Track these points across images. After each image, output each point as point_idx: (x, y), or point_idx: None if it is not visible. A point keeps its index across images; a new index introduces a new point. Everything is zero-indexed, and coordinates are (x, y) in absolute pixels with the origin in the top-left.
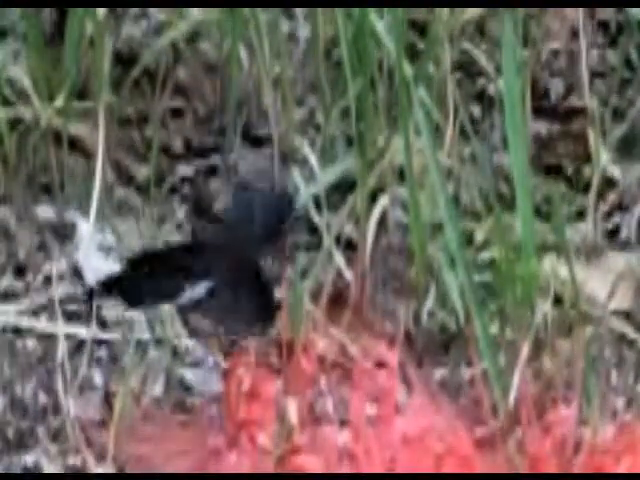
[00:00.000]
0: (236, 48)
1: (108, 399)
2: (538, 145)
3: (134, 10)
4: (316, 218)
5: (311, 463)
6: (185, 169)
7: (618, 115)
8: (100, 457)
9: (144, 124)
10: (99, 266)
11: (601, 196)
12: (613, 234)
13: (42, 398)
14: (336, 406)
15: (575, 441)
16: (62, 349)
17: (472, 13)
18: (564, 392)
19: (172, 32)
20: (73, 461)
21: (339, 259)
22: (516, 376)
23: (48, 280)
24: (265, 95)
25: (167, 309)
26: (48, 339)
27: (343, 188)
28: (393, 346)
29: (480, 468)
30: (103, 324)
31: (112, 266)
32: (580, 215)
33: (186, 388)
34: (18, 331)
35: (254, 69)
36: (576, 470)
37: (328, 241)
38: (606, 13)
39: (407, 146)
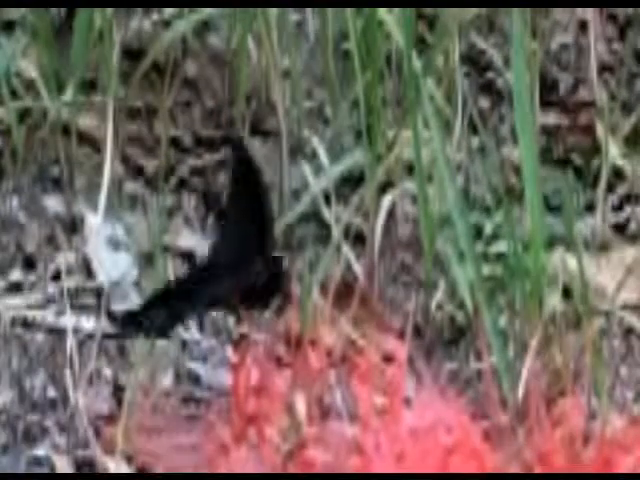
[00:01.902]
0: (245, 41)
1: (117, 392)
2: (547, 138)
3: None
4: (325, 211)
5: (320, 457)
6: (194, 162)
7: (627, 108)
8: (109, 450)
9: (153, 117)
10: (108, 259)
11: (610, 189)
12: (622, 227)
13: (51, 391)
14: (345, 400)
15: (584, 434)
16: (71, 342)
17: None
18: (573, 385)
19: (181, 25)
20: (82, 454)
21: (348, 253)
22: (525, 369)
23: (57, 273)
24: (274, 88)
25: None
26: (57, 332)
27: (352, 181)
28: (402, 339)
29: (489, 461)
30: (112, 317)
31: (121, 259)
32: (589, 208)
33: (195, 381)
34: (27, 324)
35: (263, 62)
36: (585, 463)
37: (337, 234)
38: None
39: (416, 139)
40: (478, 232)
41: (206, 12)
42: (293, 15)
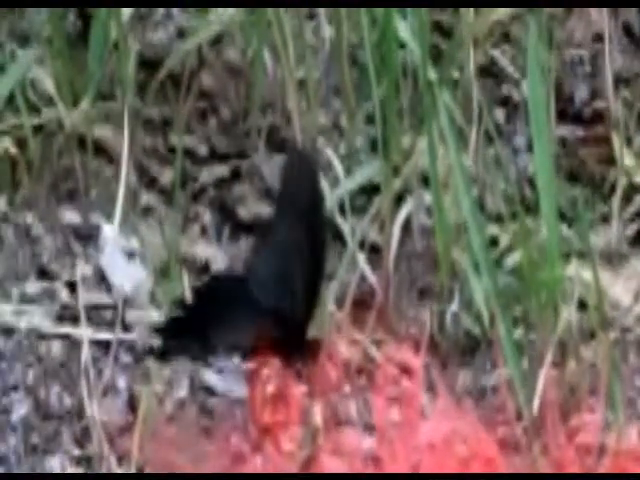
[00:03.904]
0: (260, 52)
1: (132, 403)
2: (562, 149)
3: (158, 14)
4: (340, 222)
5: (335, 467)
6: (209, 173)
7: None
8: (124, 461)
9: (168, 128)
10: (123, 270)
11: (625, 200)
12: (637, 239)
13: (66, 402)
14: (360, 410)
15: (599, 446)
16: (86, 353)
17: (497, 17)
18: (588, 397)
19: (196, 36)
20: (97, 465)
21: (363, 263)
22: (540, 381)
23: (72, 284)
24: (289, 99)
25: None
26: (72, 343)
27: (367, 192)
28: (417, 350)
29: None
30: (127, 327)
31: (136, 270)
32: (604, 220)
33: (210, 391)
34: (42, 335)
35: (278, 73)
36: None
37: (352, 245)
38: (631, 17)
39: (431, 150)
40: (493, 243)
41: (222, 23)
42: (308, 26)
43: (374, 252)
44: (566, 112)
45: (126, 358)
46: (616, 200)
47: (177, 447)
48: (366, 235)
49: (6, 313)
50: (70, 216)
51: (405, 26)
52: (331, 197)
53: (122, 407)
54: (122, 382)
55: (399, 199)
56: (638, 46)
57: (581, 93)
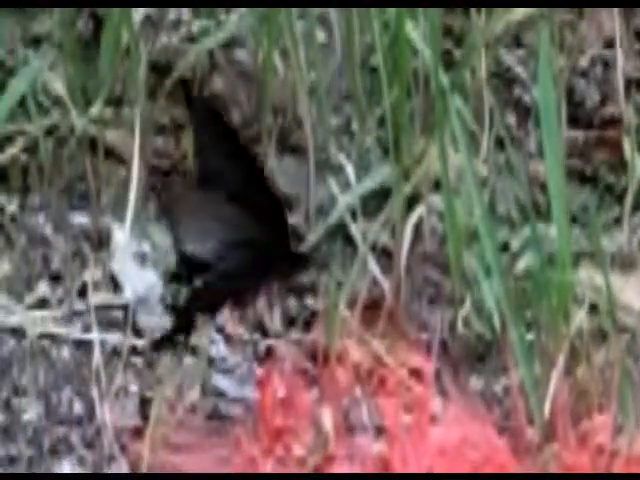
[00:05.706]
0: (271, 56)
1: (143, 407)
2: (574, 154)
3: (169, 19)
4: (351, 226)
5: (346, 472)
6: None
7: None
8: (135, 465)
9: (180, 132)
10: (134, 274)
11: (637, 205)
12: None
13: (77, 406)
14: (371, 415)
15: (611, 450)
16: (97, 356)
17: (508, 21)
18: (600, 401)
19: (207, 40)
20: (108, 469)
21: (374, 267)
22: (552, 385)
23: (84, 288)
24: (300, 103)
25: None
26: (83, 347)
27: (379, 196)
28: (429, 355)
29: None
30: (138, 331)
31: (147, 274)
32: (616, 224)
33: (221, 396)
34: (53, 339)
35: (289, 77)
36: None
37: (363, 249)
38: None
39: (443, 154)
40: (505, 247)
41: (233, 27)
42: (319, 29)
43: (385, 256)
44: (577, 116)
45: (137, 362)
46: (627, 204)
47: (188, 451)
48: (377, 239)
49: (17, 317)
50: (81, 220)
51: (417, 30)
52: (342, 201)
53: (133, 411)
54: (133, 386)
55: (410, 203)
56: None
57: (592, 97)
